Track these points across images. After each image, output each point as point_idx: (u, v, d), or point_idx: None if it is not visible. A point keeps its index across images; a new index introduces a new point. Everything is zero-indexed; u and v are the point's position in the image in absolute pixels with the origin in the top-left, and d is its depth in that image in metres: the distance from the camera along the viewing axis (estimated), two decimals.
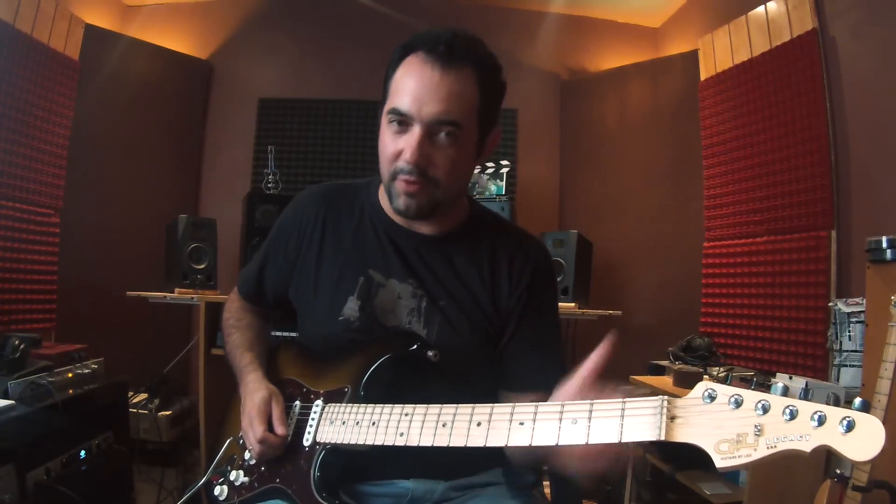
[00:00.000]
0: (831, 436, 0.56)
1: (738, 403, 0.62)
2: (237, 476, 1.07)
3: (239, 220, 2.97)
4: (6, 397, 1.74)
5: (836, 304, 2.07)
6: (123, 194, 3.16)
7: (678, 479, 2.13)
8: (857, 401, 0.57)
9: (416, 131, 0.95)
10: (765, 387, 1.90)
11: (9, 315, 2.52)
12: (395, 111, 0.96)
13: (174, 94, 3.42)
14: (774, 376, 2.06)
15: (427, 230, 1.09)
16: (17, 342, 1.91)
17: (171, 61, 3.41)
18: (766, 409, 0.60)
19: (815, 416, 0.57)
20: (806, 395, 0.60)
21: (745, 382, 2.05)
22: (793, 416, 0.59)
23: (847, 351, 2.03)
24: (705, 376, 2.30)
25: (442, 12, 3.50)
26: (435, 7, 3.49)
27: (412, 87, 0.95)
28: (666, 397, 0.67)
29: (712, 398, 0.64)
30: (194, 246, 2.66)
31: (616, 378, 2.60)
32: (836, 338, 2.06)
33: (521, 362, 1.08)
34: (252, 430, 1.01)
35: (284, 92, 3.54)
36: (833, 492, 1.38)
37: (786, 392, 0.61)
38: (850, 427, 0.55)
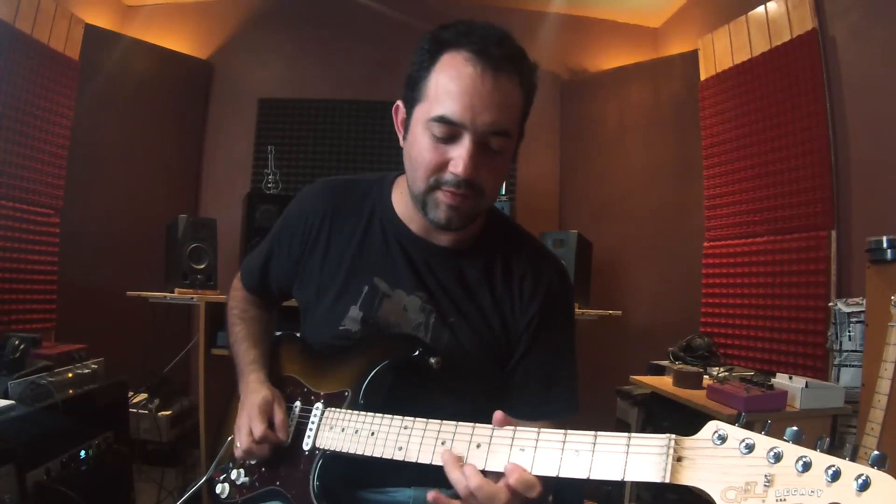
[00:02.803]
0: (844, 494, 0.53)
1: (750, 448, 0.59)
2: (238, 475, 1.06)
3: (239, 220, 2.97)
4: (6, 397, 1.74)
5: (836, 304, 2.07)
6: (123, 194, 3.15)
7: None
8: (874, 455, 0.54)
9: (467, 142, 0.88)
10: (765, 387, 1.87)
11: (9, 315, 2.52)
12: (443, 120, 0.89)
13: (174, 94, 3.42)
14: (774, 376, 2.05)
15: (441, 241, 1.04)
16: (17, 342, 1.91)
17: (171, 61, 3.41)
18: (778, 458, 0.58)
19: (829, 471, 0.54)
20: (823, 445, 0.57)
21: (749, 384, 2.02)
22: (806, 468, 0.56)
23: (847, 351, 2.03)
24: (705, 377, 2.30)
25: (443, 12, 3.49)
26: (436, 7, 3.49)
27: (461, 93, 0.87)
28: (674, 436, 0.64)
29: (723, 440, 0.62)
30: (194, 246, 2.65)
31: (616, 378, 2.60)
32: (836, 338, 2.06)
33: (525, 391, 1.03)
34: (252, 426, 0.98)
35: (284, 92, 3.54)
36: None
37: (800, 437, 0.58)
38: (864, 486, 0.53)
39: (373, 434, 0.89)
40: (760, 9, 2.56)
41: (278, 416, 1.01)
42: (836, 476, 0.54)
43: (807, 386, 1.85)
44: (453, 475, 0.76)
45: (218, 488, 1.08)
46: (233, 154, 3.52)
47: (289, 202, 1.18)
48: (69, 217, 2.87)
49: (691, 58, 3.03)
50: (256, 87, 3.54)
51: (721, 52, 2.80)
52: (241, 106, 3.53)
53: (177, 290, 2.60)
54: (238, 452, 1.02)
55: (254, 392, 1.05)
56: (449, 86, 0.88)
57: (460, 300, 1.03)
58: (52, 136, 2.76)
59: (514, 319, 1.03)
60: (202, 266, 2.66)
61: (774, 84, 2.47)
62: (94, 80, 2.99)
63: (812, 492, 0.55)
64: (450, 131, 0.89)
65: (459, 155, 0.89)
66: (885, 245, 1.70)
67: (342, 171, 3.46)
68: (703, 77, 2.93)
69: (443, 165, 0.91)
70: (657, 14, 3.58)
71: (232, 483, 1.07)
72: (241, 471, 1.06)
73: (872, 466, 0.54)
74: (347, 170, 3.46)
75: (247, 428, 0.99)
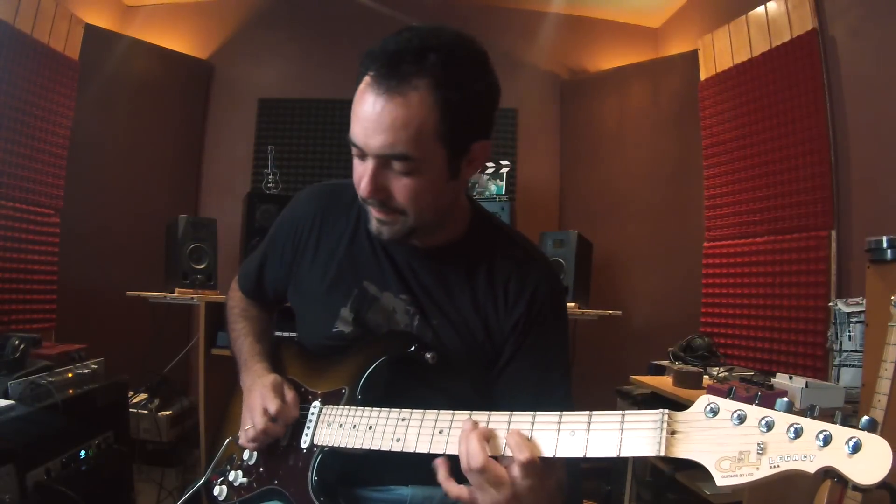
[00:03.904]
0: (837, 457, 0.54)
1: (742, 419, 0.60)
2: (236, 476, 1.07)
3: (239, 220, 2.97)
4: (6, 397, 1.74)
5: (836, 304, 2.07)
6: (123, 194, 3.16)
7: (678, 479, 2.13)
8: (864, 419, 0.55)
9: (368, 164, 0.90)
10: (765, 386, 1.88)
11: (9, 315, 2.52)
12: (350, 141, 0.91)
13: (174, 94, 3.43)
14: (774, 376, 2.05)
15: (421, 243, 1.03)
16: (17, 342, 1.91)
17: (171, 61, 3.41)
18: (769, 427, 0.58)
19: (821, 436, 0.55)
20: (812, 411, 0.58)
21: (749, 384, 2.03)
22: (797, 434, 0.57)
23: (847, 351, 2.03)
24: (705, 376, 2.30)
25: (442, 12, 3.50)
26: (435, 7, 3.50)
27: (360, 115, 0.89)
28: (666, 411, 0.65)
29: (714, 413, 0.62)
30: (194, 246, 2.65)
31: (616, 378, 2.60)
32: (836, 338, 2.06)
33: (516, 394, 1.01)
34: (267, 404, 0.99)
35: (284, 92, 3.54)
36: (833, 492, 1.38)
37: (790, 408, 0.59)
38: (856, 448, 0.53)
39: (371, 428, 0.90)
40: (760, 9, 2.56)
41: (290, 394, 1.03)
42: (827, 440, 0.55)
43: (807, 386, 1.85)
44: (461, 447, 0.77)
45: (216, 491, 1.08)
46: (233, 154, 3.53)
47: (289, 202, 1.20)
48: (69, 217, 2.87)
49: (691, 58, 3.03)
50: (256, 87, 3.54)
51: (721, 52, 2.80)
52: (241, 106, 3.53)
53: (177, 290, 2.60)
54: (250, 433, 1.01)
55: (262, 376, 1.06)
56: (354, 109, 0.90)
57: (442, 302, 1.03)
58: (52, 136, 2.76)
59: (498, 323, 1.02)
60: (202, 266, 2.66)
61: (774, 84, 2.47)
62: (94, 80, 2.99)
63: (805, 457, 0.56)
64: (359, 152, 0.92)
65: (362, 175, 0.91)
66: (885, 245, 1.70)
67: (342, 172, 3.46)
68: (703, 77, 2.93)
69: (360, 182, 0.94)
70: (657, 14, 3.58)
71: (230, 485, 1.07)
72: (239, 472, 1.07)
73: (863, 430, 0.54)
74: (347, 170, 3.41)
75: (260, 407, 1.00)
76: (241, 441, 1.03)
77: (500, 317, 1.02)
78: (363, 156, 0.91)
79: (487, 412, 0.80)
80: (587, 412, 0.72)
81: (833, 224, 2.22)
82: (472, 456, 0.75)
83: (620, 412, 0.70)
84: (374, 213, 0.96)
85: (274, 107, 3.53)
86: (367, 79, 0.88)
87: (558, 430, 0.73)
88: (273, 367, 1.14)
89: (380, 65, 0.86)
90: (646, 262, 3.27)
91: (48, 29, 2.72)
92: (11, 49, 2.53)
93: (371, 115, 0.87)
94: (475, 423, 0.78)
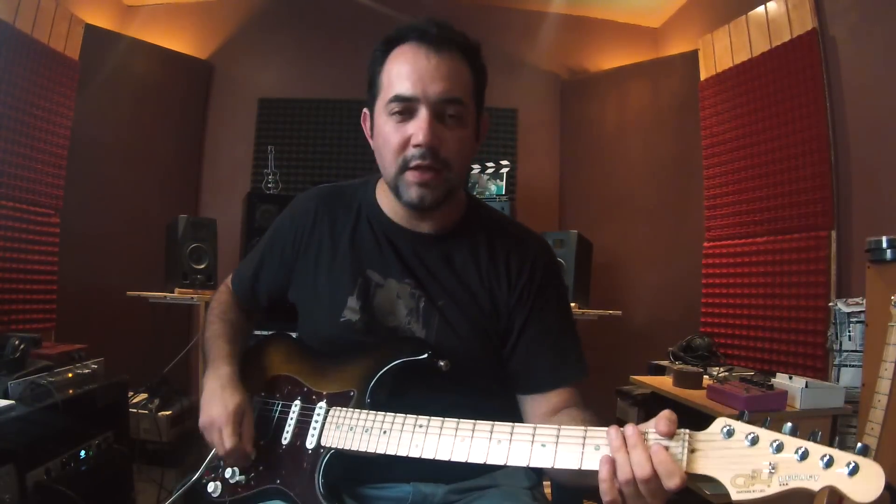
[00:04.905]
0: (838, 478, 0.61)
1: (754, 441, 0.67)
2: (233, 473, 1.05)
3: (239, 220, 2.97)
4: (6, 397, 1.74)
5: (836, 304, 2.07)
6: (123, 194, 3.16)
7: None
8: (859, 445, 0.63)
9: (423, 113, 0.96)
10: (765, 387, 1.88)
11: (9, 315, 2.52)
12: (398, 98, 0.97)
13: (174, 94, 3.42)
14: (774, 376, 2.05)
15: (424, 228, 1.08)
16: (17, 342, 1.91)
17: (171, 61, 3.41)
18: (779, 449, 0.65)
19: (824, 459, 0.62)
20: (817, 437, 0.65)
21: (749, 384, 2.03)
22: (804, 456, 0.64)
23: (847, 351, 2.03)
24: (705, 376, 2.30)
25: (442, 12, 3.48)
26: (435, 7, 3.49)
27: (409, 72, 0.97)
28: (687, 431, 0.71)
29: (730, 434, 0.68)
30: (194, 246, 2.65)
31: (616, 378, 2.59)
32: (836, 338, 2.06)
33: (533, 362, 1.05)
34: (222, 438, 1.01)
35: (284, 92, 3.54)
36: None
37: (795, 432, 0.66)
38: (854, 471, 0.61)
39: (385, 432, 0.91)
40: (760, 9, 2.56)
41: (247, 429, 1.03)
42: (829, 463, 0.62)
43: (807, 386, 1.85)
44: (619, 456, 0.72)
45: (210, 487, 1.07)
46: (233, 154, 3.52)
47: (289, 202, 1.22)
48: (69, 217, 2.87)
49: (691, 58, 3.03)
50: (256, 87, 3.54)
51: (721, 52, 2.80)
52: (241, 106, 3.53)
53: (177, 290, 2.60)
54: (217, 451, 1.03)
55: (227, 391, 1.06)
56: (399, 70, 0.98)
57: (448, 283, 1.07)
58: (52, 136, 2.76)
59: (504, 295, 1.06)
60: (202, 266, 2.66)
61: (774, 84, 2.47)
62: (94, 80, 2.99)
63: (810, 476, 0.63)
64: (406, 107, 0.98)
65: (418, 126, 0.96)
66: (885, 245, 1.70)
67: (342, 171, 3.46)
68: (703, 77, 2.93)
69: (406, 143, 0.98)
70: (657, 14, 3.58)
71: (224, 481, 1.06)
72: (236, 469, 1.05)
73: (859, 455, 0.62)
74: (347, 170, 3.46)
75: (218, 434, 1.01)
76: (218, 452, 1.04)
77: (504, 288, 1.06)
78: (410, 113, 0.97)
79: (510, 423, 0.81)
80: (606, 428, 0.75)
81: (833, 224, 2.22)
82: (639, 466, 0.71)
83: (644, 430, 0.73)
84: (418, 177, 0.98)
85: (274, 107, 3.53)
86: (410, 43, 0.99)
87: (583, 445, 0.76)
88: (260, 366, 1.16)
89: (423, 30, 0.98)
90: (646, 261, 3.27)
91: (48, 29, 2.72)
92: (11, 49, 2.53)
93: (427, 67, 0.97)
94: (621, 433, 0.74)
